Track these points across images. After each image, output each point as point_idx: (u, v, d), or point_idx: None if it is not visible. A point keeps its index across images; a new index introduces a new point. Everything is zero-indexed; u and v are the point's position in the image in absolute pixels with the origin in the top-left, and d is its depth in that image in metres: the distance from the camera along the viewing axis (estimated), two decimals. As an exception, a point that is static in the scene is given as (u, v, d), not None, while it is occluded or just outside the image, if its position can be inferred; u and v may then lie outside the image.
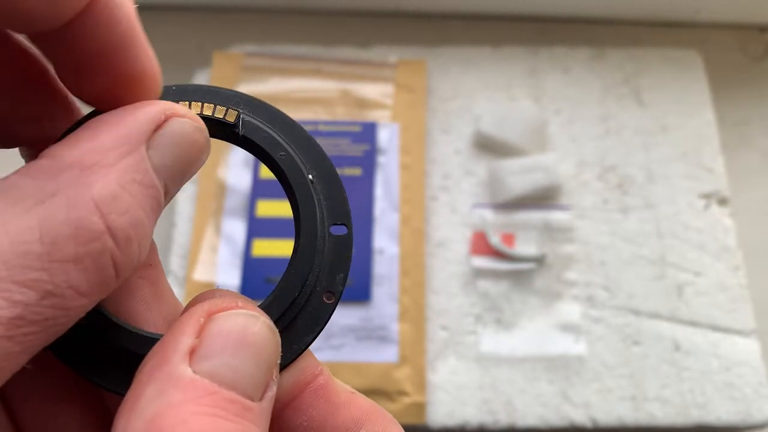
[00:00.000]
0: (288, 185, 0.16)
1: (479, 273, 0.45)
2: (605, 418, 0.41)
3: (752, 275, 0.46)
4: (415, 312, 0.43)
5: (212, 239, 0.45)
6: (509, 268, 0.45)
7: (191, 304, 0.15)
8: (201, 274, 0.44)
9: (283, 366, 0.15)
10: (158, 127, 0.14)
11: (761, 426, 0.42)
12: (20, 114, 0.15)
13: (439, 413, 0.41)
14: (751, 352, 0.43)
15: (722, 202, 0.48)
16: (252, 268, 0.44)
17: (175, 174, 0.14)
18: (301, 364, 0.16)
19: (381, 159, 0.48)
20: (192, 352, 0.13)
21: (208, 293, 0.15)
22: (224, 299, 0.14)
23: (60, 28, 0.13)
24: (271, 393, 0.13)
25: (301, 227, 0.15)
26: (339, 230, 0.16)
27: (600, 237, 0.46)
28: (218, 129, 0.16)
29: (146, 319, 0.16)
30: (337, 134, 0.48)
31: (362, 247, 0.45)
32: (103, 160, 0.13)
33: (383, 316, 0.43)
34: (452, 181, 0.48)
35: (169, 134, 0.14)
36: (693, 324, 0.44)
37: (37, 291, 0.11)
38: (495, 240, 0.45)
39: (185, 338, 0.13)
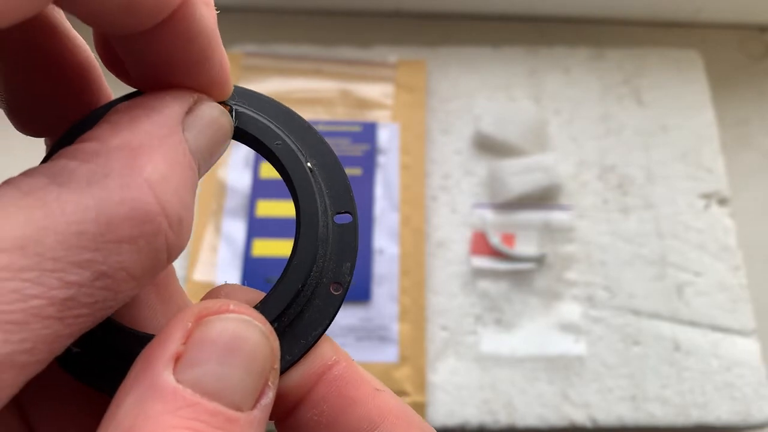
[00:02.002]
0: (286, 174, 0.15)
1: (479, 273, 0.45)
2: (605, 418, 0.41)
3: (752, 275, 0.46)
4: (415, 312, 0.43)
5: (212, 239, 0.45)
6: (509, 268, 0.45)
7: (207, 296, 0.14)
8: (201, 275, 0.44)
9: (292, 362, 0.15)
10: (190, 111, 0.14)
11: (761, 426, 0.42)
12: (58, 109, 0.15)
13: (439, 413, 0.41)
14: (751, 352, 0.43)
15: (722, 202, 0.48)
16: (252, 268, 0.44)
17: (206, 156, 0.14)
18: (312, 358, 0.15)
19: (381, 159, 0.48)
20: (177, 359, 0.12)
21: (215, 290, 0.15)
22: (216, 302, 0.13)
23: (136, 34, 0.13)
24: (267, 400, 0.13)
25: (301, 217, 0.15)
26: (343, 219, 0.15)
27: (600, 237, 0.46)
28: None
29: (154, 326, 0.15)
30: (337, 134, 0.48)
31: (363, 247, 0.45)
32: (151, 142, 0.12)
33: (383, 316, 0.43)
34: (452, 181, 0.48)
35: (201, 116, 0.14)
36: (693, 324, 0.44)
37: (91, 271, 0.11)
38: (495, 240, 0.45)
39: (171, 344, 0.12)
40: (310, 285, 0.15)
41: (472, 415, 0.41)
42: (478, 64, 0.52)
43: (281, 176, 0.15)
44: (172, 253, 0.12)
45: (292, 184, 0.15)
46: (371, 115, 0.49)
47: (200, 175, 0.14)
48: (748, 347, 0.44)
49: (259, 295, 0.15)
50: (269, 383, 0.13)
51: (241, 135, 0.15)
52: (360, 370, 0.15)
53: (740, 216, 0.48)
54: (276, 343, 0.13)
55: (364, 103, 0.50)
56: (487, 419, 0.41)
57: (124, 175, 0.12)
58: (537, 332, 0.44)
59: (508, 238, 0.46)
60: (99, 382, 0.14)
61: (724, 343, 0.44)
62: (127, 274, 0.12)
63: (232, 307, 0.13)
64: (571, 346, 0.43)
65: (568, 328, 0.44)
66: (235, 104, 0.15)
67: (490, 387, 0.42)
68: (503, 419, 0.41)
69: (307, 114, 0.49)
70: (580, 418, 0.41)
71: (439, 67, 0.52)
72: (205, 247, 0.45)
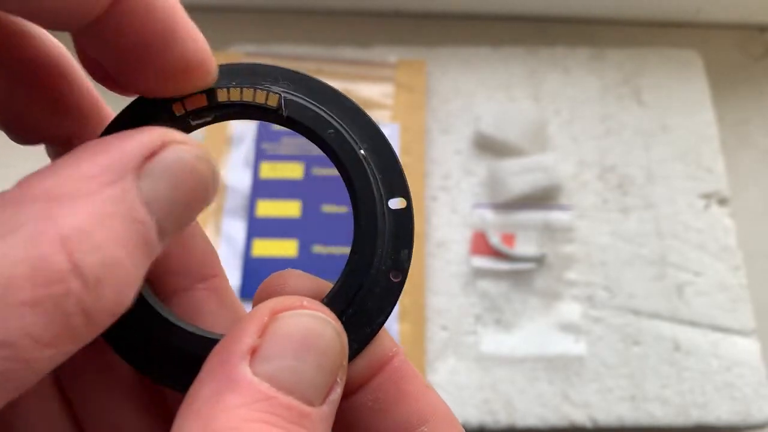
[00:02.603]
0: (341, 164, 0.15)
1: (479, 273, 0.45)
2: (605, 418, 0.41)
3: (752, 275, 0.46)
4: (415, 312, 0.43)
5: (212, 239, 0.45)
6: (509, 268, 0.45)
7: (260, 291, 0.14)
8: (201, 274, 0.44)
9: (358, 351, 0.15)
10: (152, 155, 0.12)
11: (761, 426, 0.42)
12: (40, 111, 0.15)
13: (439, 413, 0.41)
14: (751, 352, 0.43)
15: (722, 202, 0.48)
16: (252, 268, 0.44)
17: (170, 209, 0.12)
18: (375, 346, 0.15)
19: (381, 159, 0.48)
20: (253, 353, 0.12)
21: (277, 277, 0.15)
22: (290, 298, 0.13)
23: (93, 23, 0.12)
24: (335, 396, 0.13)
25: (359, 207, 0.15)
26: (397, 203, 0.15)
27: (600, 237, 0.46)
28: (261, 113, 0.15)
29: (217, 331, 0.15)
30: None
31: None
32: (81, 189, 0.11)
33: (383, 316, 0.43)
34: (452, 182, 0.48)
35: (163, 162, 0.12)
36: (693, 324, 0.44)
37: None
38: (495, 240, 0.45)
39: (247, 338, 0.12)
40: (372, 275, 0.15)
41: (472, 415, 0.41)
42: (477, 64, 0.52)
43: (335, 164, 0.15)
44: (93, 317, 0.11)
45: (348, 174, 0.15)
46: (371, 115, 0.49)
47: (168, 231, 0.12)
48: (748, 347, 0.44)
49: (320, 283, 0.15)
50: (338, 379, 0.13)
51: (292, 124, 0.15)
52: (413, 366, 0.15)
53: (740, 216, 0.48)
54: (346, 340, 0.14)
55: (364, 103, 0.50)
56: (487, 419, 0.41)
57: (34, 229, 0.11)
58: (537, 332, 0.44)
59: (508, 238, 0.46)
60: (167, 379, 0.14)
61: (724, 343, 0.44)
62: (33, 341, 0.10)
63: (305, 303, 0.13)
64: (571, 346, 0.43)
65: (568, 328, 0.44)
66: (284, 91, 0.15)
67: (490, 387, 0.42)
68: (503, 419, 0.41)
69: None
70: (580, 418, 0.41)
71: (439, 67, 0.52)
72: (205, 247, 0.45)
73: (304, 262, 0.44)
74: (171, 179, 0.12)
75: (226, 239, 0.45)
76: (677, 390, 0.42)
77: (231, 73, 0.15)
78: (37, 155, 0.16)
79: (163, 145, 0.12)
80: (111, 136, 0.12)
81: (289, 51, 0.51)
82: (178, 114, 0.14)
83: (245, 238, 0.45)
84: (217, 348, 0.13)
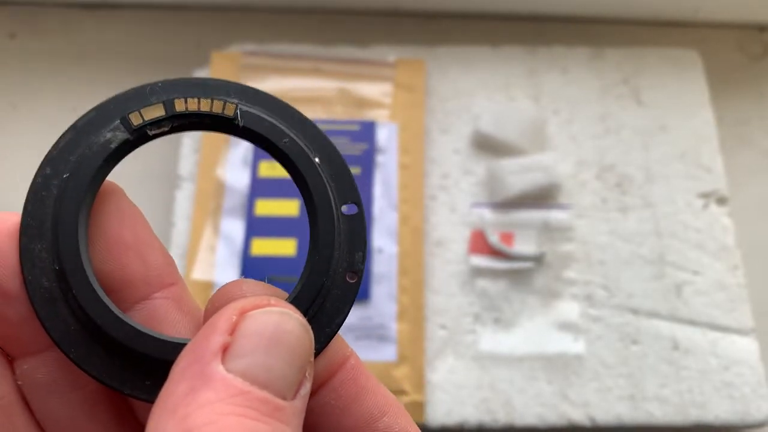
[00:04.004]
0: (296, 171, 0.15)
1: (478, 272, 0.45)
2: (604, 417, 0.42)
3: (751, 274, 0.46)
4: (413, 311, 0.43)
5: (211, 238, 0.45)
6: (508, 267, 0.45)
7: (216, 298, 0.15)
8: (199, 274, 0.44)
9: (319, 350, 0.15)
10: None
11: (760, 425, 0.42)
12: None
13: (437, 412, 0.41)
14: (749, 351, 0.43)
15: (721, 201, 0.48)
16: (251, 268, 0.44)
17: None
18: (333, 347, 0.16)
19: (380, 158, 0.48)
20: (224, 350, 0.12)
21: (233, 285, 0.15)
22: (257, 297, 0.14)
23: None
24: (305, 391, 0.13)
25: (317, 212, 0.15)
26: (351, 209, 0.16)
27: (599, 236, 0.46)
28: (217, 123, 0.15)
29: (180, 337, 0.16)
30: (336, 133, 0.48)
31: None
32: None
33: (382, 315, 0.43)
34: (451, 181, 0.48)
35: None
36: (692, 323, 0.44)
37: None
38: (494, 239, 0.45)
39: (217, 336, 0.13)
40: (330, 277, 0.15)
41: (471, 414, 0.41)
42: (476, 63, 0.52)
43: (289, 172, 0.16)
44: None
45: (304, 181, 0.15)
46: (370, 115, 0.49)
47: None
48: (746, 346, 0.44)
49: (275, 290, 0.15)
50: (306, 375, 0.13)
51: (248, 133, 0.15)
52: (364, 364, 0.16)
53: (739, 215, 0.48)
54: (312, 336, 0.14)
55: (363, 103, 0.50)
56: (486, 418, 0.41)
57: None
58: (536, 331, 0.44)
59: (507, 237, 0.46)
60: (135, 390, 0.14)
61: (722, 343, 0.44)
62: None
63: (273, 301, 0.14)
64: (570, 345, 0.43)
65: (566, 327, 0.44)
66: (239, 103, 0.15)
67: (489, 386, 0.42)
68: (502, 418, 0.41)
69: (306, 113, 0.49)
70: (578, 417, 0.42)
71: (438, 67, 0.52)
72: (204, 247, 0.45)
73: (303, 261, 0.44)
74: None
75: (224, 238, 0.45)
76: (676, 389, 0.42)
77: (185, 85, 0.15)
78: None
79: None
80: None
81: (288, 50, 0.52)
82: (136, 124, 0.15)
83: (244, 237, 0.45)
84: (187, 348, 0.13)
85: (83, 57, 0.56)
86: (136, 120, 0.15)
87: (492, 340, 0.43)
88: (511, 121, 0.48)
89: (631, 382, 0.42)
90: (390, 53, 0.52)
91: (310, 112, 0.49)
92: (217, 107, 0.15)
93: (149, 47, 0.57)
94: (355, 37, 0.55)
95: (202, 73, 0.51)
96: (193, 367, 0.12)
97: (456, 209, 0.47)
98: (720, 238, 0.47)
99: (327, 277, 0.15)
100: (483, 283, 0.45)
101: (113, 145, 0.14)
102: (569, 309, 0.44)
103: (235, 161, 0.47)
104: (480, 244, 0.45)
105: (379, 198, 0.46)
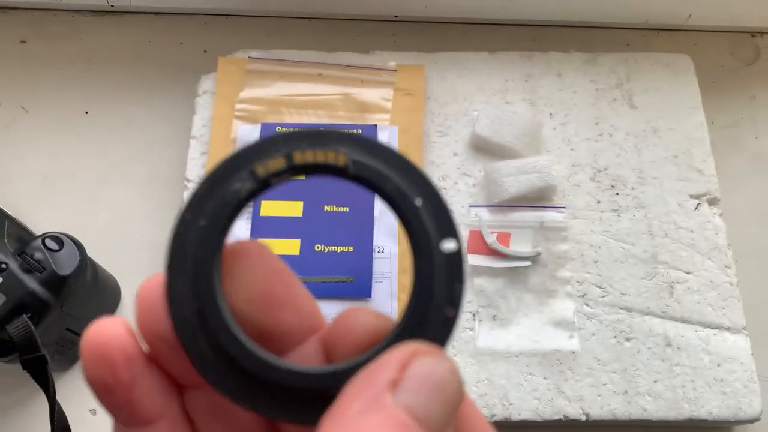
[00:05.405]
0: (402, 214, 0.17)
1: (476, 271, 0.46)
2: (598, 412, 0.42)
3: (742, 273, 0.46)
4: (413, 309, 0.44)
5: (217, 238, 0.46)
6: (505, 266, 0.45)
7: (339, 325, 0.17)
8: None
9: None
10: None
11: (751, 420, 0.43)
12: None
13: (436, 407, 0.42)
14: (741, 348, 0.44)
15: (712, 202, 0.49)
16: (255, 267, 0.45)
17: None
18: None
19: (380, 161, 0.49)
20: (394, 384, 0.14)
21: (353, 314, 0.17)
22: (427, 345, 0.15)
23: None
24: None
25: (418, 252, 0.17)
26: (449, 245, 0.17)
27: (593, 236, 0.47)
28: (330, 171, 0.17)
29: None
30: (338, 137, 0.49)
31: (363, 246, 0.46)
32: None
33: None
34: (449, 182, 0.49)
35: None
36: (684, 321, 0.45)
37: None
38: (491, 239, 0.46)
39: (389, 371, 0.14)
40: (431, 311, 0.16)
41: (469, 409, 0.42)
42: (474, 68, 0.53)
43: (395, 214, 0.17)
44: None
45: (408, 223, 0.17)
46: (371, 119, 0.50)
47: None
48: (738, 343, 0.44)
49: (385, 319, 0.17)
50: (451, 420, 0.15)
51: (358, 180, 0.17)
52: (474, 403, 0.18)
53: (730, 216, 0.49)
54: (463, 383, 0.15)
55: (365, 107, 0.51)
56: (484, 413, 0.42)
57: None
58: (532, 328, 0.44)
59: (504, 237, 0.46)
60: (297, 416, 0.16)
61: (714, 340, 0.44)
62: None
63: (439, 350, 0.15)
64: (565, 341, 0.44)
65: (561, 324, 0.45)
66: (348, 150, 0.17)
67: (486, 381, 0.43)
68: (499, 413, 0.42)
69: (309, 117, 0.50)
70: (573, 411, 0.42)
71: (437, 72, 0.53)
72: (210, 246, 0.46)
73: (307, 260, 0.45)
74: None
75: (230, 239, 0.46)
76: (669, 385, 0.43)
77: (301, 136, 0.17)
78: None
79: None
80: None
81: (293, 56, 0.53)
82: (260, 174, 0.17)
83: (250, 237, 0.46)
84: (362, 374, 0.15)
85: (92, 62, 0.57)
86: (261, 171, 0.16)
87: (489, 337, 0.44)
88: (507, 125, 0.49)
89: (624, 378, 0.43)
90: (391, 59, 0.52)
91: (314, 117, 0.51)
92: (330, 158, 0.17)
93: (157, 52, 0.58)
94: (358, 43, 0.56)
95: (208, 79, 0.52)
96: (368, 391, 0.14)
97: (454, 210, 0.48)
98: (712, 238, 0.47)
99: (427, 313, 0.16)
100: (481, 281, 0.46)
101: (242, 195, 0.17)
102: (564, 307, 0.45)
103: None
104: (478, 244, 0.46)
105: (380, 199, 0.47)
